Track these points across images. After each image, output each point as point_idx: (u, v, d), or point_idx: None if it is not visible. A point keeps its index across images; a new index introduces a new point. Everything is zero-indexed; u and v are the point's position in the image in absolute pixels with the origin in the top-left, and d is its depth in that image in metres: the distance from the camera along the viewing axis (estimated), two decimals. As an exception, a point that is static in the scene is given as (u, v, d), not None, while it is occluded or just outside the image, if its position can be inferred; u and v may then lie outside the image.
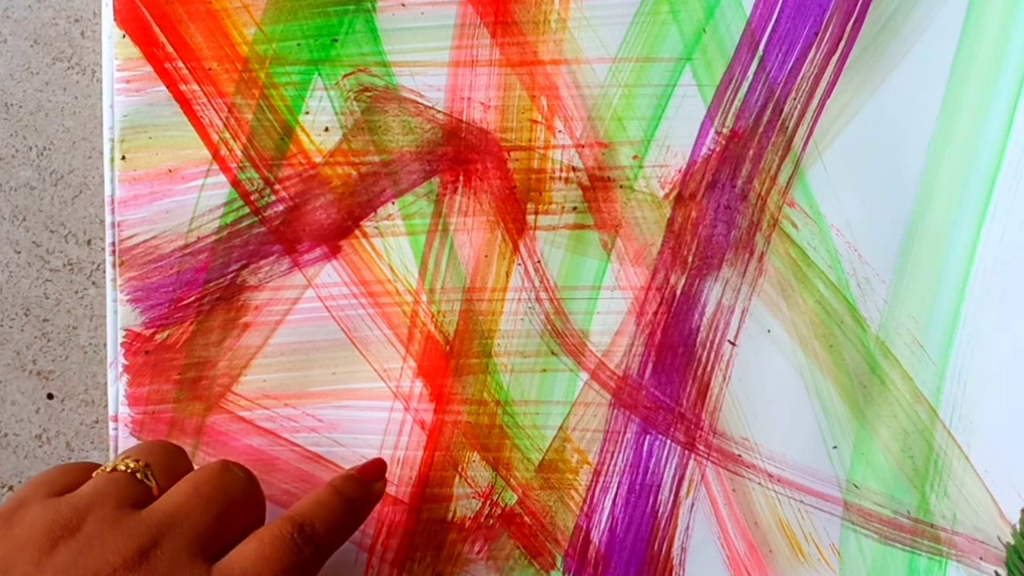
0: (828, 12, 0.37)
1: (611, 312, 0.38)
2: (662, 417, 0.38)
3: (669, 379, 0.38)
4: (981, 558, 0.37)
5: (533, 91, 0.38)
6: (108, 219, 0.38)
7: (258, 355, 0.38)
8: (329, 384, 0.39)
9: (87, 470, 0.34)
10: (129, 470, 0.33)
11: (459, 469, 0.38)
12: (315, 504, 0.34)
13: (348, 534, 0.35)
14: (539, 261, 0.38)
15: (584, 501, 0.38)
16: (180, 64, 0.38)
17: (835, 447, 0.37)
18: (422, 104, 0.38)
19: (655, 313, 0.38)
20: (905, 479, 0.37)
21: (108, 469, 0.33)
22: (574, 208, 0.38)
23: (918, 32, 0.37)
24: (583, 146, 0.38)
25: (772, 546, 0.38)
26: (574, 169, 0.38)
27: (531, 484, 0.38)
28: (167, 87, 0.38)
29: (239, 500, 0.33)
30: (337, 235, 0.38)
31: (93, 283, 0.41)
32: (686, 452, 0.38)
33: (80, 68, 0.40)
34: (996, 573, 0.37)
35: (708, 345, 0.38)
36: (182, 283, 0.38)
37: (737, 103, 0.37)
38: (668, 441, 0.38)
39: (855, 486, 0.37)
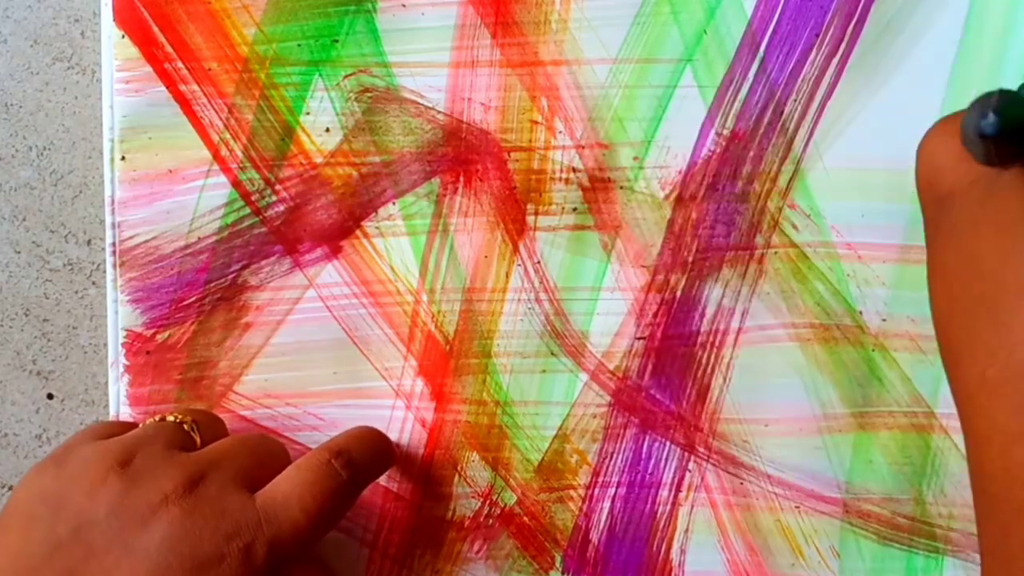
0: (829, 14, 0.37)
1: (611, 313, 0.38)
2: (661, 419, 0.38)
3: (669, 381, 0.38)
4: (977, 552, 0.38)
5: (533, 92, 0.38)
6: (108, 219, 0.38)
7: (259, 355, 0.39)
8: (330, 383, 0.39)
9: (132, 425, 0.35)
10: (177, 420, 0.35)
11: (459, 468, 0.39)
12: (350, 435, 0.36)
13: (383, 465, 0.37)
14: (539, 262, 0.38)
15: (583, 501, 0.38)
16: (180, 64, 0.38)
17: (835, 449, 0.37)
18: (423, 105, 0.38)
19: (655, 314, 0.38)
20: (903, 480, 0.38)
21: (156, 419, 0.35)
22: (574, 209, 0.38)
23: (919, 34, 0.37)
24: (583, 147, 0.38)
25: (772, 548, 0.38)
26: (574, 170, 0.38)
27: (530, 484, 0.39)
28: (167, 87, 0.38)
29: (277, 455, 0.35)
30: (338, 235, 0.38)
31: (93, 283, 0.41)
32: (685, 454, 0.38)
33: (80, 68, 0.40)
34: None
35: (708, 347, 0.38)
36: (183, 283, 0.38)
37: (738, 104, 0.37)
38: (667, 443, 0.38)
39: (854, 487, 0.38)
